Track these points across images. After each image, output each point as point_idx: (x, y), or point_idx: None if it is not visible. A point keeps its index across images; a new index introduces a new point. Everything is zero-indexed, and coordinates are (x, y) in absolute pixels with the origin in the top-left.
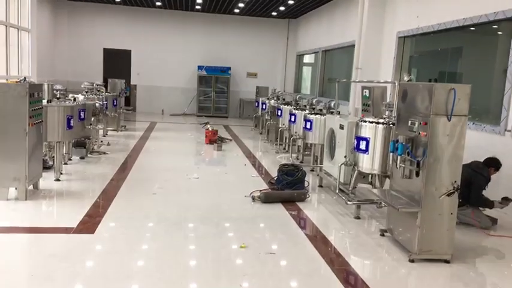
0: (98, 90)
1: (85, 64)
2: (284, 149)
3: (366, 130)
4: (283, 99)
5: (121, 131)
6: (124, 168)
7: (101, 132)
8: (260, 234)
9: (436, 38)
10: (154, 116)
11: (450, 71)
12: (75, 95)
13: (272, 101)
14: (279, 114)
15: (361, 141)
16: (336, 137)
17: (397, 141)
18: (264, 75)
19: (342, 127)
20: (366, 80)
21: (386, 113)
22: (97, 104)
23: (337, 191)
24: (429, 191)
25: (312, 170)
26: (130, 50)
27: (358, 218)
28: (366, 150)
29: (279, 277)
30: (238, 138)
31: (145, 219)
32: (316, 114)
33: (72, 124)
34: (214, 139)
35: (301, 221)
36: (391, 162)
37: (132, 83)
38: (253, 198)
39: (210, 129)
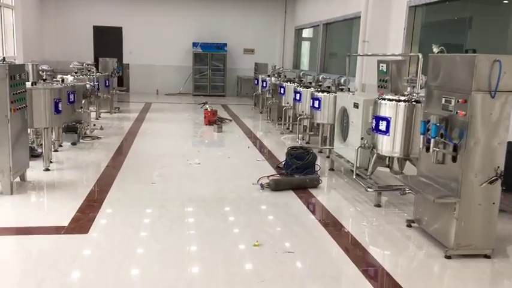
0: (89, 70)
1: (74, 43)
2: (288, 129)
3: (386, 109)
4: (285, 76)
5: (114, 113)
6: (119, 154)
7: (93, 115)
8: (273, 228)
9: (451, 6)
10: (148, 96)
11: (459, 42)
12: (64, 76)
13: (273, 79)
14: (282, 92)
15: (380, 122)
16: (349, 117)
17: (429, 121)
18: (262, 52)
19: (356, 106)
20: (375, 53)
21: (408, 89)
22: (88, 85)
23: (354, 177)
24: (468, 179)
25: (320, 152)
26: (121, 27)
27: (378, 205)
28: (387, 132)
29: (301, 282)
30: (238, 118)
31: (144, 214)
32: (324, 91)
33: (60, 108)
34: (213, 120)
35: (316, 210)
36: (421, 145)
37: (124, 62)
38: (262, 186)
39: (208, 109)
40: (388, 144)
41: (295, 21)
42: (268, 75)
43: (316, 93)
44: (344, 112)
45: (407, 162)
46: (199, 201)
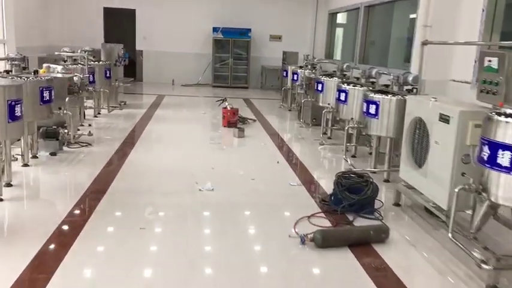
0: (85, 58)
1: (83, 27)
2: (325, 134)
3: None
4: (320, 68)
5: (118, 109)
6: (108, 172)
7: (90, 112)
8: None
9: None
10: (163, 87)
11: None
12: (52, 66)
13: (306, 71)
14: (319, 89)
15: (500, 151)
16: (430, 134)
17: None
18: (290, 39)
19: (445, 119)
20: (438, 40)
21: None
22: (75, 78)
23: (449, 235)
24: None
25: (374, 172)
26: (134, 10)
27: (495, 287)
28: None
29: None
30: (262, 116)
31: None
32: (382, 92)
33: (18, 113)
34: (234, 121)
35: None
36: None
37: (137, 48)
38: (303, 240)
39: (228, 107)
40: None
41: (329, 3)
42: (300, 67)
43: (371, 95)
44: (419, 125)
45: None
46: (210, 266)
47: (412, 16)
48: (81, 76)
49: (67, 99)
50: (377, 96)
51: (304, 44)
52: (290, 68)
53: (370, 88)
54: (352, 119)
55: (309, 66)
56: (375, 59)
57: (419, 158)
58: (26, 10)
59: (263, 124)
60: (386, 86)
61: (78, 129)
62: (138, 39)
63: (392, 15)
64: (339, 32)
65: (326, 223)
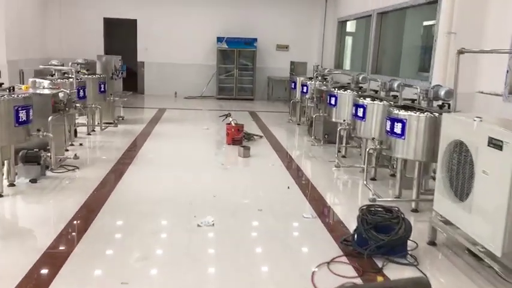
0: (78, 72)
1: (82, 38)
2: (343, 156)
3: None
4: (332, 80)
5: (113, 126)
6: (93, 203)
7: (83, 130)
8: None
9: None
10: (165, 99)
11: None
12: (38, 80)
13: (317, 83)
14: (333, 103)
15: None
16: (476, 162)
17: None
18: (297, 48)
19: (498, 145)
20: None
21: None
22: (61, 94)
23: None
24: None
25: (397, 197)
26: (135, 20)
27: None
28: None
29: None
30: (269, 132)
31: None
32: (408, 109)
33: None
34: (238, 138)
35: None
36: None
37: (138, 59)
38: None
39: (232, 123)
40: None
41: (338, 11)
42: (310, 78)
43: (396, 111)
44: (459, 149)
45: None
46: None
47: (426, 23)
48: (68, 92)
49: (50, 118)
50: (403, 113)
51: (312, 53)
52: (299, 80)
53: (393, 103)
54: (373, 138)
55: (319, 78)
56: (386, 69)
57: (461, 189)
58: (21, 21)
59: (270, 140)
60: (412, 100)
61: (67, 150)
62: (140, 50)
63: (404, 23)
64: (349, 41)
65: (350, 271)
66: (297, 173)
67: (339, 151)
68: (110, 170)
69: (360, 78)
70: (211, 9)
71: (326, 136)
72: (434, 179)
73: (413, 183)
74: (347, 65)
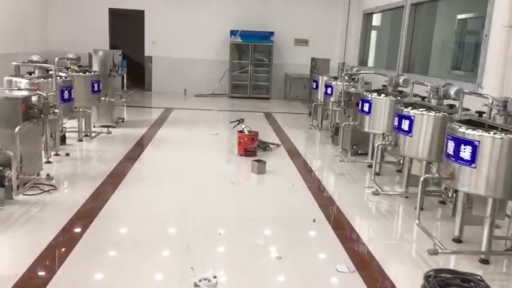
0: (68, 68)
1: (86, 30)
2: (377, 173)
3: None
4: (362, 80)
5: (106, 132)
6: (62, 242)
7: (74, 136)
8: None
9: None
10: (173, 97)
11: None
12: (15, 79)
13: (344, 84)
14: (366, 110)
15: None
16: None
17: None
18: (317, 43)
19: None
20: None
21: None
22: (34, 98)
23: None
24: None
25: (459, 241)
26: (143, 11)
27: None
28: None
29: None
30: (287, 138)
31: None
32: (477, 125)
33: None
34: (252, 148)
35: None
36: None
37: (146, 54)
38: None
39: (245, 131)
40: None
41: (364, 3)
42: (335, 78)
43: (462, 130)
44: None
45: None
46: None
47: (461, 16)
48: (45, 94)
49: (17, 128)
50: (473, 133)
51: (334, 49)
52: (322, 79)
53: (450, 115)
54: (429, 164)
55: (346, 78)
56: (421, 68)
57: None
58: (20, 12)
59: (289, 150)
60: (480, 114)
61: (50, 161)
62: (147, 43)
63: (435, 15)
64: (375, 35)
65: None
66: (323, 199)
67: (377, 173)
68: (93, 192)
69: (401, 80)
70: (226, 0)
71: (354, 147)
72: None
73: (484, 224)
74: (371, 62)
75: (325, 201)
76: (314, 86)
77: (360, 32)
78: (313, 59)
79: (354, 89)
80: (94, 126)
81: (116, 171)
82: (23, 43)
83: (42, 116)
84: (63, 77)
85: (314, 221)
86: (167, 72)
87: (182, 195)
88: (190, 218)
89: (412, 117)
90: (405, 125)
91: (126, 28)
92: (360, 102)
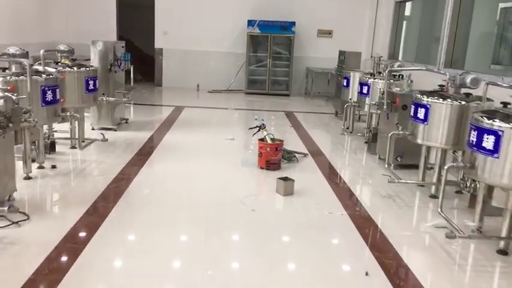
0: (57, 63)
1: (92, 20)
2: (433, 195)
3: None
4: (409, 78)
5: (101, 139)
6: None
7: (65, 144)
8: None
9: None
10: (185, 94)
11: None
12: None
13: (387, 82)
14: (421, 117)
15: None
16: None
17: None
18: (343, 35)
19: None
20: None
21: None
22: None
23: None
24: None
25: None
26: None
27: None
28: None
29: None
30: (315, 145)
31: None
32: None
33: None
34: (276, 161)
35: None
36: None
37: (156, 46)
38: None
39: (267, 139)
40: None
41: None
42: (371, 75)
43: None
44: None
45: None
46: None
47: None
48: (14, 98)
49: None
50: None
51: (361, 41)
52: (354, 76)
53: None
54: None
55: (386, 74)
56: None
57: None
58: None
59: (319, 162)
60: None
61: (29, 177)
62: (158, 35)
63: (473, 4)
64: (408, 26)
65: None
66: (373, 236)
67: (421, 184)
68: (74, 225)
69: (468, 80)
70: None
71: (398, 158)
72: None
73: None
74: (402, 55)
75: (376, 240)
76: (345, 84)
77: (391, 22)
78: (341, 52)
79: (397, 88)
80: (93, 129)
81: (108, 192)
82: (24, 33)
83: (9, 125)
84: (47, 74)
85: (367, 274)
86: (179, 66)
87: (189, 231)
88: (195, 272)
89: (500, 133)
90: (488, 142)
91: (135, 17)
92: (413, 106)
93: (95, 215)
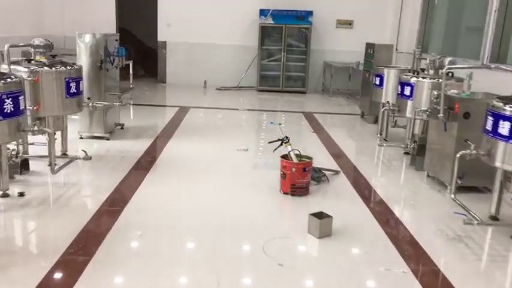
0: (30, 61)
1: (89, 11)
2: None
3: None
4: (469, 77)
5: (84, 158)
6: None
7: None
8: None
9: None
10: (191, 91)
11: None
12: None
13: (443, 84)
14: (504, 132)
15: None
16: None
17: None
18: (364, 25)
19: None
20: None
21: None
22: None
23: None
24: None
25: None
26: None
27: None
28: None
29: None
30: (345, 157)
31: None
32: None
33: None
34: (304, 184)
35: None
36: None
37: (159, 39)
38: None
39: (292, 156)
40: None
41: None
42: (414, 72)
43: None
44: None
45: None
46: None
47: None
48: None
49: None
50: None
51: (383, 31)
52: (389, 73)
53: None
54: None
55: (432, 72)
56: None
57: None
58: None
59: (356, 182)
60: None
61: None
62: (161, 26)
63: None
64: (440, 15)
65: None
66: None
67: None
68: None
69: None
70: None
71: (459, 180)
72: None
73: None
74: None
75: None
76: (377, 82)
77: (420, 12)
78: (369, 45)
79: (455, 91)
80: (81, 138)
81: (84, 236)
82: (15, 25)
83: None
84: (7, 77)
85: None
86: (184, 61)
87: None
88: None
89: None
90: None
91: (136, 8)
92: (490, 118)
93: (64, 274)
